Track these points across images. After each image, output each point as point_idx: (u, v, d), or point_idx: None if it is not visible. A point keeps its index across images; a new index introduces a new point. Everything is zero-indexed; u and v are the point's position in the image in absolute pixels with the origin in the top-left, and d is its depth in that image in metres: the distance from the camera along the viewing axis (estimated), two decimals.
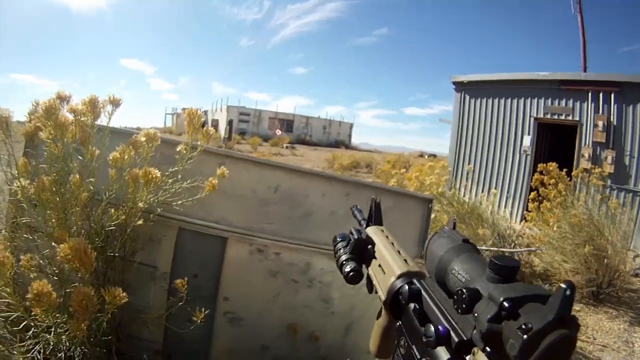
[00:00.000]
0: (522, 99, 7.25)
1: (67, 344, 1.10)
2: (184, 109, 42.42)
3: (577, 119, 6.62)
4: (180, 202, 1.50)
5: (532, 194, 4.68)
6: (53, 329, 1.07)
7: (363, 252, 0.73)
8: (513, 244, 4.51)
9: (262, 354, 1.84)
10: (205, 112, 37.00)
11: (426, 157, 28.85)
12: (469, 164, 7.85)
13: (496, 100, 7.58)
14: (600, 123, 6.33)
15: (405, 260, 0.65)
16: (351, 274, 0.70)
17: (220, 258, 1.71)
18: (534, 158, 7.10)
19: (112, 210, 1.41)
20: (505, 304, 0.39)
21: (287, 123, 35.66)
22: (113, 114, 1.30)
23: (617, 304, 4.05)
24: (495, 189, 7.42)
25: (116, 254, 1.46)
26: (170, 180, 1.45)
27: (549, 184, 4.22)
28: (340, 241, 0.79)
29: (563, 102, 6.81)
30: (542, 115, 7.02)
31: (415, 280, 0.59)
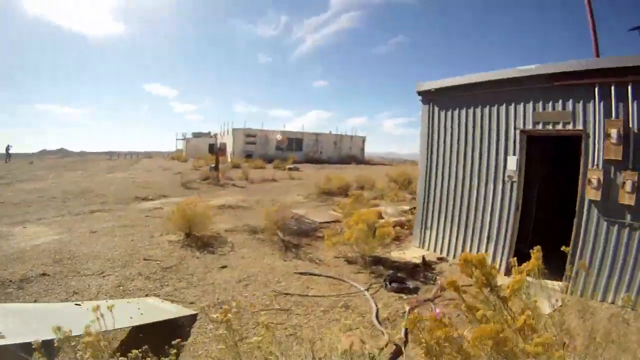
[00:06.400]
0: (504, 105, 5.40)
1: None
2: (193, 134, 43.20)
3: (581, 127, 4.67)
4: None
5: None
6: None
7: None
8: None
9: None
10: (216, 136, 36.90)
11: None
12: (439, 195, 6.05)
13: (470, 111, 5.76)
14: (613, 131, 4.35)
15: None
16: None
17: None
18: (521, 185, 5.20)
19: None
20: None
21: (295, 142, 34.47)
22: None
23: None
24: (473, 227, 5.58)
25: None
26: None
27: None
28: None
29: (559, 105, 4.88)
30: (530, 127, 5.11)
31: None
